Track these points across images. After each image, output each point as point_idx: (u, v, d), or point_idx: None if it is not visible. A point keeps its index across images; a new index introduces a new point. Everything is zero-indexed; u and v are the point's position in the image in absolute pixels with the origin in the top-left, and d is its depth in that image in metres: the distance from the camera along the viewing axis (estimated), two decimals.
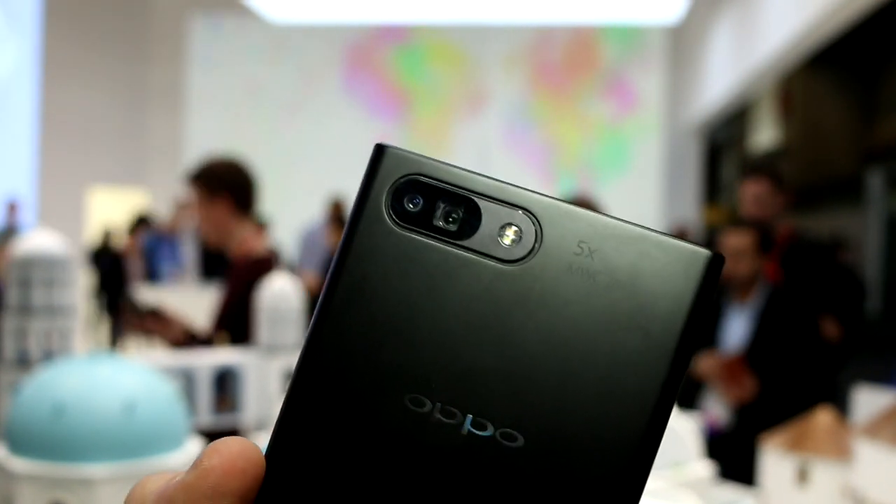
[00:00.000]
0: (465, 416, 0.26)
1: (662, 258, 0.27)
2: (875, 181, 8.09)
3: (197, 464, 0.26)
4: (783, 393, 2.53)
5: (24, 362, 1.46)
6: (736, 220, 3.03)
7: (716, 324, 2.77)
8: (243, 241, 2.33)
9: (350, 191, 8.81)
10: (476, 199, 0.28)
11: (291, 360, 1.86)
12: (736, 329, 2.75)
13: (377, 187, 0.28)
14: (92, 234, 9.93)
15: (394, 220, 0.27)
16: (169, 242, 8.43)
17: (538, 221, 0.28)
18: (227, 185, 2.29)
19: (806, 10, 5.87)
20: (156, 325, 2.24)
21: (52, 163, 10.27)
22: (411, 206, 0.28)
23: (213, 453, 0.26)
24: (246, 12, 11.49)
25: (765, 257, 2.74)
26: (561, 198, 0.28)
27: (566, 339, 0.26)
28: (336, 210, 6.88)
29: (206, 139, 11.67)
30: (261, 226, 2.79)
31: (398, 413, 0.26)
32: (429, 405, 0.26)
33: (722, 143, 11.15)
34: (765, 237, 2.76)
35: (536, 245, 0.27)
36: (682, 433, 1.46)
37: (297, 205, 10.77)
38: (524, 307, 0.27)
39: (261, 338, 1.87)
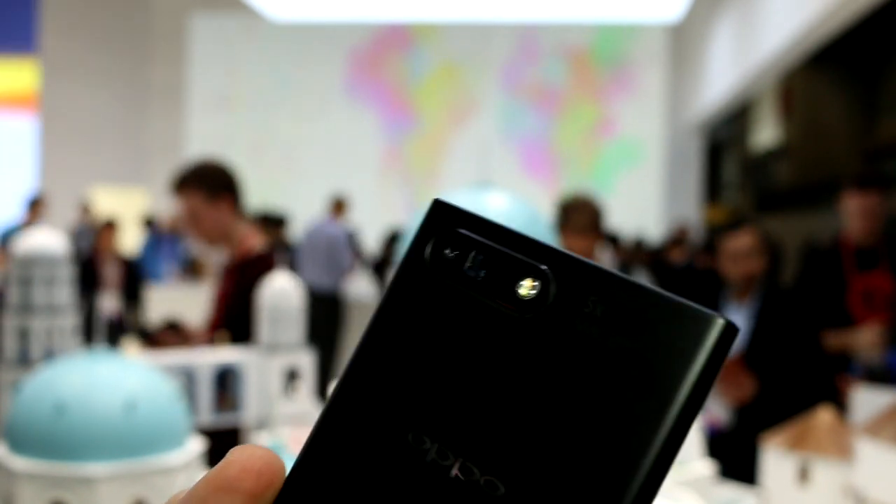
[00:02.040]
0: (456, 459, 0.27)
1: (674, 321, 0.26)
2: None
3: (221, 462, 0.27)
4: (783, 392, 2.53)
5: (24, 361, 1.46)
6: (736, 221, 3.01)
7: None
8: (243, 239, 2.34)
9: (352, 188, 8.81)
10: (502, 251, 0.30)
11: (292, 358, 1.86)
12: None
13: (421, 237, 0.30)
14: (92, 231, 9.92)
15: (432, 267, 0.30)
16: (169, 242, 8.43)
17: (554, 275, 0.28)
18: (226, 185, 2.31)
19: (807, 8, 5.87)
20: (174, 339, 2.23)
21: (53, 162, 10.27)
22: (447, 254, 0.30)
23: (236, 451, 0.27)
24: (247, 11, 11.49)
25: (764, 256, 2.74)
26: (576, 256, 0.29)
27: (565, 393, 0.26)
28: (338, 208, 6.87)
29: (206, 138, 11.67)
30: (256, 222, 2.80)
31: (401, 448, 0.28)
32: (428, 444, 0.28)
33: (723, 141, 11.15)
34: (764, 236, 2.76)
35: (551, 298, 0.28)
36: None
37: (298, 203, 10.76)
38: (530, 357, 0.28)
39: (262, 336, 1.87)
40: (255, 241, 2.39)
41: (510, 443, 0.27)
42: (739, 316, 2.75)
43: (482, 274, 0.29)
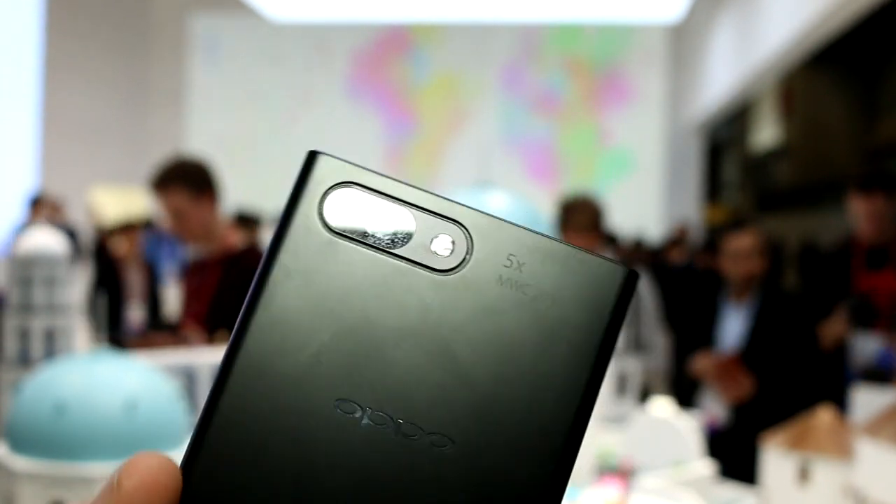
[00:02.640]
0: (395, 422, 0.26)
1: (585, 273, 0.28)
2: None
3: (114, 485, 0.25)
4: (781, 391, 2.53)
5: (25, 361, 1.46)
6: (738, 222, 3.01)
7: (712, 323, 2.77)
8: (224, 235, 2.34)
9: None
10: (410, 210, 0.28)
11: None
12: (733, 327, 2.75)
13: (310, 193, 0.28)
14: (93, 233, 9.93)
15: (326, 227, 0.28)
16: (169, 242, 8.43)
17: (470, 234, 0.28)
18: (209, 182, 2.29)
19: (807, 8, 5.87)
20: (169, 340, 2.22)
21: (53, 162, 10.27)
22: (344, 214, 0.28)
23: (131, 472, 0.25)
24: (247, 12, 11.49)
25: (764, 257, 2.75)
26: (489, 212, 0.29)
27: (495, 347, 0.27)
28: None
29: (207, 139, 11.67)
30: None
31: (327, 418, 0.26)
32: (359, 411, 0.26)
33: (723, 141, 11.15)
34: (764, 238, 2.78)
35: (468, 256, 0.28)
36: (683, 432, 1.46)
37: None
38: (455, 316, 0.27)
39: None
40: (235, 237, 2.40)
41: (449, 399, 0.27)
42: (738, 315, 2.76)
43: (388, 235, 0.28)
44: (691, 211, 10.98)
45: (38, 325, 1.46)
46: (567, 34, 11.56)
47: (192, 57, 11.97)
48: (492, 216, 0.28)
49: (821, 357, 2.70)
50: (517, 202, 1.25)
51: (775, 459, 1.55)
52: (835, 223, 6.78)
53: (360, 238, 0.28)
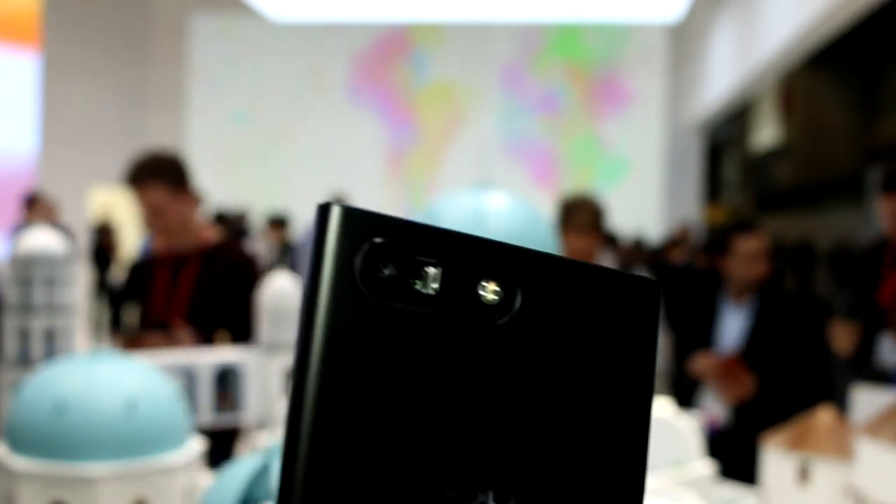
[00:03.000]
0: (486, 496, 0.25)
1: (622, 294, 0.28)
2: (876, 179, 8.08)
3: None
4: (782, 391, 2.53)
5: (25, 361, 1.46)
6: (745, 223, 3.00)
7: (711, 322, 2.77)
8: (199, 230, 2.33)
9: (352, 189, 8.83)
10: (452, 258, 0.26)
11: (292, 358, 1.86)
12: (732, 327, 2.74)
13: (342, 252, 0.25)
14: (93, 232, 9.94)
15: (369, 290, 0.25)
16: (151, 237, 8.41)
17: (514, 273, 0.27)
18: (185, 177, 2.27)
19: (807, 8, 5.86)
20: (161, 339, 2.20)
21: (53, 162, 10.27)
22: (385, 272, 0.25)
23: None
24: (247, 12, 11.49)
25: (770, 260, 2.75)
26: (517, 243, 0.28)
27: (562, 391, 0.27)
28: None
29: (206, 139, 11.67)
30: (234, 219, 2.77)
31: None
32: (449, 494, 0.25)
33: (723, 141, 11.15)
34: (769, 241, 2.79)
35: (517, 297, 0.27)
36: (683, 432, 1.46)
37: (297, 203, 10.75)
38: (517, 365, 0.26)
39: (262, 336, 1.88)
40: (210, 231, 2.38)
41: (530, 456, 0.26)
42: (738, 315, 2.76)
43: (434, 287, 0.26)
44: (691, 211, 10.99)
45: (38, 325, 1.46)
46: (567, 34, 11.56)
47: (192, 57, 11.96)
48: (525, 248, 0.27)
49: (823, 357, 2.69)
50: (517, 202, 1.25)
51: (775, 459, 1.55)
52: (835, 223, 6.77)
53: (407, 297, 0.25)
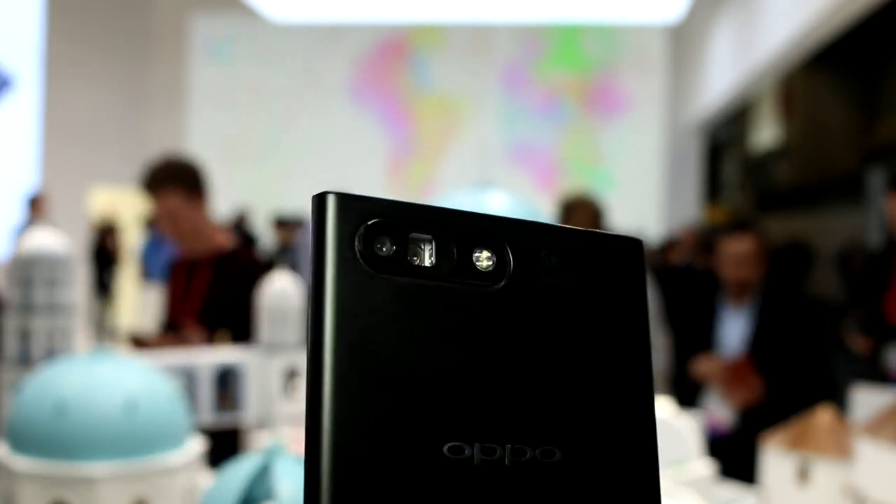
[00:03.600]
0: (504, 448, 0.26)
1: (607, 251, 0.30)
2: (876, 180, 8.08)
3: None
4: (787, 394, 2.47)
5: (25, 361, 1.46)
6: (739, 223, 2.94)
7: (710, 326, 2.71)
8: (212, 235, 2.34)
9: (352, 189, 8.80)
10: (444, 231, 0.28)
11: (292, 358, 1.87)
12: (734, 330, 2.69)
13: (342, 235, 0.26)
14: (93, 232, 9.94)
15: (368, 265, 0.26)
16: (170, 243, 8.43)
17: (503, 240, 0.28)
18: (200, 183, 2.29)
19: (807, 8, 5.87)
20: (174, 341, 2.21)
21: (53, 161, 10.27)
22: (384, 249, 0.27)
23: None
24: (247, 12, 11.49)
25: (763, 260, 2.68)
26: (503, 214, 0.29)
27: (564, 345, 0.28)
28: None
29: (207, 139, 11.67)
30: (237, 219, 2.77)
31: (441, 466, 0.25)
32: (468, 449, 0.26)
33: (723, 142, 11.15)
34: (763, 242, 2.71)
35: (509, 262, 0.28)
36: (683, 432, 1.46)
37: (297, 201, 10.75)
38: (520, 324, 0.27)
39: (262, 336, 1.88)
40: (223, 237, 2.39)
41: (545, 408, 0.27)
42: (738, 318, 2.70)
43: (431, 260, 0.27)
44: (691, 211, 10.99)
45: (38, 325, 1.46)
46: (567, 35, 11.56)
47: (192, 57, 11.97)
48: (510, 218, 0.28)
49: (825, 358, 2.64)
50: (516, 202, 1.25)
51: (775, 459, 1.55)
52: (835, 223, 6.77)
53: (407, 271, 0.27)
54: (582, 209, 2.71)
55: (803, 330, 2.63)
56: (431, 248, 0.27)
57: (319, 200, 0.27)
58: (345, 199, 0.27)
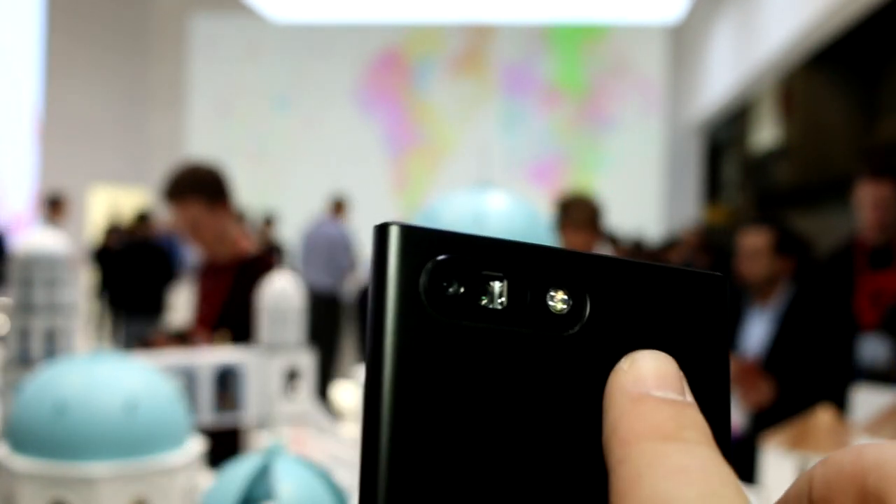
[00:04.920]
0: None
1: (691, 291, 0.27)
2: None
3: None
4: (802, 397, 2.41)
5: (25, 361, 1.46)
6: (753, 219, 2.89)
7: (735, 327, 2.65)
8: (236, 240, 2.35)
9: (351, 189, 8.82)
10: (518, 268, 0.25)
11: (292, 358, 1.87)
12: (757, 331, 2.62)
13: (406, 272, 0.24)
14: (93, 231, 9.93)
15: (435, 309, 0.24)
16: (169, 242, 8.42)
17: (582, 279, 0.26)
18: (222, 190, 2.30)
19: (806, 9, 5.87)
20: (175, 343, 2.22)
21: (53, 160, 10.27)
22: (451, 289, 0.24)
23: None
24: (247, 12, 11.49)
25: (783, 259, 2.60)
26: (583, 251, 0.27)
27: None
28: (337, 208, 6.88)
29: (206, 138, 11.67)
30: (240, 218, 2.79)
31: None
32: None
33: (722, 142, 11.15)
34: (785, 237, 2.63)
35: (587, 305, 0.26)
36: None
37: (297, 202, 10.75)
38: (591, 374, 0.25)
39: (262, 336, 1.88)
40: (248, 242, 2.41)
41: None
42: (761, 319, 2.63)
43: (502, 302, 0.25)
44: (691, 211, 10.99)
45: (38, 325, 1.46)
46: (567, 35, 11.56)
47: (192, 57, 11.97)
48: (590, 254, 0.26)
49: (839, 360, 2.56)
50: (516, 202, 1.25)
51: (775, 459, 1.55)
52: (835, 223, 6.77)
53: (476, 315, 0.24)
54: (578, 207, 2.71)
55: (828, 340, 2.54)
56: (503, 288, 0.25)
57: (381, 231, 0.24)
58: (410, 232, 0.24)
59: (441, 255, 0.24)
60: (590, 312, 0.26)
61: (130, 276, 6.16)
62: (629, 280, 0.26)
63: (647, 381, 0.24)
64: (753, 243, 2.60)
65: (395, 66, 11.74)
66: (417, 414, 0.23)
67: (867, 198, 2.69)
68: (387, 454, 0.22)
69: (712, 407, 0.26)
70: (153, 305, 6.21)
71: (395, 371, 0.23)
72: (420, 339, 0.23)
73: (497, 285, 0.25)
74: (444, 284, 0.24)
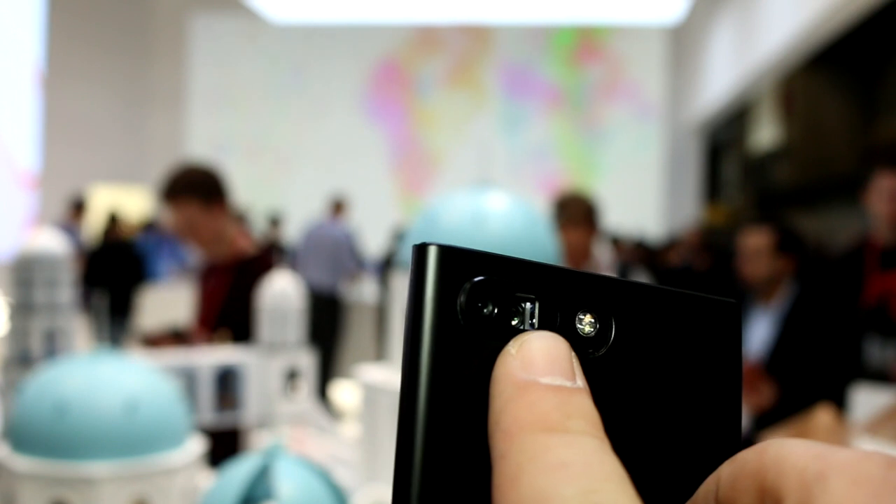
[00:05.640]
0: None
1: (705, 317, 0.28)
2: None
3: None
4: (803, 397, 2.40)
5: (26, 361, 1.46)
6: (753, 219, 2.88)
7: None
8: (234, 240, 2.35)
9: (351, 189, 8.82)
10: (549, 291, 0.26)
11: (292, 358, 1.87)
12: (759, 332, 2.62)
13: (444, 292, 0.24)
14: (93, 231, 9.93)
15: (471, 327, 0.25)
16: (170, 243, 8.43)
17: (609, 303, 0.27)
18: (219, 190, 2.30)
19: (806, 9, 5.87)
20: (174, 344, 2.22)
21: (54, 161, 10.27)
22: (485, 310, 0.25)
23: None
24: (247, 13, 11.49)
25: (784, 258, 2.60)
26: (609, 275, 0.28)
27: (656, 416, 0.27)
28: (337, 209, 6.88)
29: (206, 138, 11.68)
30: (240, 219, 2.79)
31: None
32: None
33: (722, 142, 11.16)
34: (786, 236, 2.62)
35: (612, 328, 0.27)
36: None
37: (297, 202, 10.75)
38: (615, 395, 0.26)
39: (262, 336, 1.88)
40: (246, 241, 2.41)
41: (652, 484, 0.26)
42: (764, 319, 2.62)
43: (532, 323, 0.26)
44: (691, 211, 10.99)
45: (38, 325, 1.46)
46: (567, 36, 11.56)
47: (192, 57, 11.97)
48: (615, 278, 0.27)
49: (839, 362, 2.54)
50: (516, 203, 1.25)
51: None
52: (835, 223, 6.77)
53: (508, 333, 0.25)
54: (574, 203, 2.72)
55: (826, 342, 2.52)
56: (534, 310, 0.26)
57: (419, 251, 0.25)
58: (448, 253, 0.25)
59: (477, 276, 0.25)
60: (615, 335, 0.26)
61: (99, 278, 6.12)
62: (652, 305, 0.27)
63: (535, 365, 0.24)
64: (755, 244, 2.60)
65: (396, 67, 11.74)
66: (450, 426, 0.24)
67: (884, 190, 2.56)
68: (420, 471, 0.23)
69: (723, 428, 0.28)
70: (121, 307, 6.18)
71: (431, 385, 0.24)
72: (456, 356, 0.24)
73: (529, 307, 0.26)
74: (479, 305, 0.25)
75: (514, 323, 0.25)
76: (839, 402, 2.27)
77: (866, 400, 2.13)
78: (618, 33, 11.46)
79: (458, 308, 0.24)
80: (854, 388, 2.27)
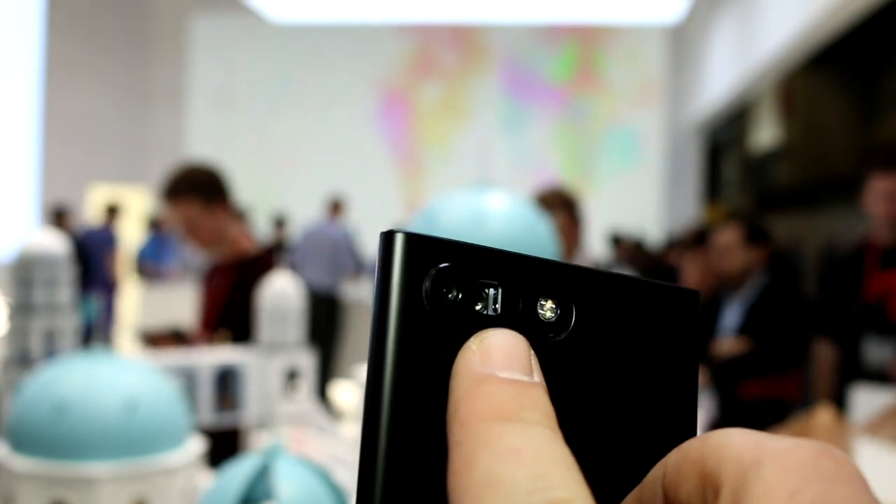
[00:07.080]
0: None
1: (665, 304, 0.29)
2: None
3: None
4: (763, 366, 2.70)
5: (25, 361, 1.46)
6: (730, 216, 3.13)
7: (715, 315, 2.88)
8: (236, 240, 2.35)
9: (351, 189, 8.83)
10: (512, 278, 0.27)
11: (292, 358, 1.87)
12: (730, 318, 2.84)
13: (410, 278, 0.25)
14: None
15: (436, 312, 0.25)
16: (170, 242, 8.43)
17: (569, 290, 0.27)
18: (220, 189, 2.30)
19: (806, 9, 5.87)
20: (175, 344, 2.23)
21: (54, 162, 10.27)
22: (450, 295, 0.26)
23: None
24: (247, 13, 11.49)
25: (754, 249, 2.79)
26: (559, 259, 0.28)
27: (615, 398, 0.28)
28: (335, 209, 6.89)
29: (206, 138, 11.68)
30: (241, 217, 2.80)
31: None
32: None
33: (722, 142, 11.16)
34: (753, 230, 2.82)
35: (573, 314, 0.27)
36: None
37: (297, 202, 10.75)
38: (575, 377, 0.27)
39: (262, 336, 1.88)
40: (248, 241, 2.41)
41: (593, 464, 0.26)
42: (734, 309, 2.86)
43: (495, 308, 0.26)
44: (691, 211, 10.99)
45: (37, 325, 1.46)
46: (567, 35, 11.56)
47: (192, 57, 11.97)
48: (576, 266, 0.28)
49: (804, 357, 2.79)
50: (516, 202, 1.25)
51: None
52: (835, 223, 6.77)
53: (471, 318, 0.26)
54: (551, 196, 2.84)
55: (784, 327, 2.76)
56: (497, 296, 0.26)
57: (387, 238, 0.25)
58: (414, 240, 0.26)
59: (442, 262, 0.26)
60: (575, 321, 0.27)
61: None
62: (612, 292, 0.28)
63: (493, 360, 0.24)
64: (725, 240, 2.79)
65: (396, 67, 11.75)
66: (416, 411, 0.24)
67: (879, 192, 2.59)
68: (385, 451, 0.23)
69: (680, 411, 0.29)
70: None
71: (397, 370, 0.24)
72: (421, 339, 0.25)
73: (492, 292, 0.26)
74: (444, 290, 0.26)
75: (477, 308, 0.26)
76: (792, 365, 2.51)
77: (866, 400, 2.13)
78: (618, 33, 11.46)
79: (424, 293, 0.25)
80: (854, 388, 2.27)
